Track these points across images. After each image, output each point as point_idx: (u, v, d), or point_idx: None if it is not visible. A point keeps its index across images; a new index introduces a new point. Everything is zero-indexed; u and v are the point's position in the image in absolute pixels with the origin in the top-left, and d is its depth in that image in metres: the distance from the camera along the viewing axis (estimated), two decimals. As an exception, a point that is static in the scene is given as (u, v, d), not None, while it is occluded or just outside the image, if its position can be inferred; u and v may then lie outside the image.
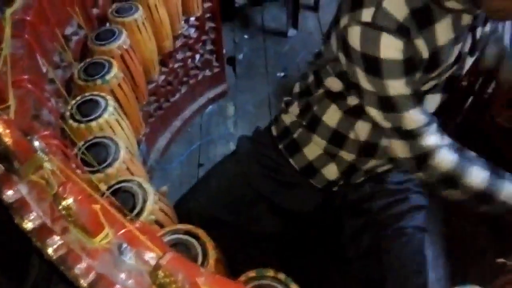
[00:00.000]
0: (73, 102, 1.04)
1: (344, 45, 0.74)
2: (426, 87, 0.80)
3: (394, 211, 0.89)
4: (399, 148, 0.77)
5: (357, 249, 0.90)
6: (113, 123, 1.03)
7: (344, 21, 0.73)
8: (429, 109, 0.83)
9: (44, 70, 0.98)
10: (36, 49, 0.94)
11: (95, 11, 1.37)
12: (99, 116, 1.01)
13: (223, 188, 1.01)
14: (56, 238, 0.52)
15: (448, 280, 0.91)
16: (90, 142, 0.95)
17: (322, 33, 2.58)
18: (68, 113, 1.02)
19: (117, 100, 1.15)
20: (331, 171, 0.95)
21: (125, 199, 0.85)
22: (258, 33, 2.63)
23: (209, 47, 2.03)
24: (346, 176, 0.96)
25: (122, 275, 0.49)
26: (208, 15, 1.90)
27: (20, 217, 0.54)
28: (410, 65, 0.71)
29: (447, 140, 0.78)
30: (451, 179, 0.76)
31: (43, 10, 1.03)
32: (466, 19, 0.74)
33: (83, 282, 0.48)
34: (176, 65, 1.84)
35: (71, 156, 0.82)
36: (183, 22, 1.75)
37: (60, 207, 0.48)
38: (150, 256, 0.50)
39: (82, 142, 0.94)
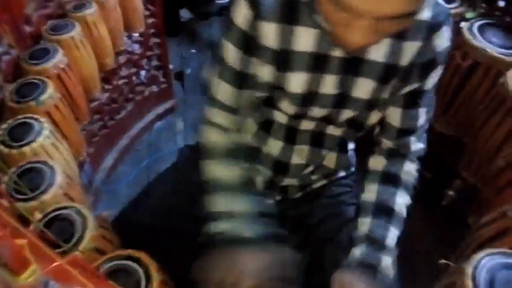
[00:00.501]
0: (4, 126, 0.98)
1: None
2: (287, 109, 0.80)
3: (330, 225, 0.89)
4: None
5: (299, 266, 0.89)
6: (49, 147, 0.98)
7: None
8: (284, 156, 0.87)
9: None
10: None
11: (27, 28, 1.30)
12: (33, 140, 0.96)
13: (161, 196, 0.98)
14: (-24, 279, 0.48)
15: (396, 283, 0.92)
16: (23, 168, 0.90)
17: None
18: (-2, 138, 0.96)
19: (53, 122, 1.10)
20: (259, 183, 0.95)
21: (62, 228, 0.81)
22: (206, 47, 2.62)
23: (154, 62, 1.99)
24: (281, 191, 0.96)
25: (51, 314, 0.46)
26: (152, 30, 1.87)
27: None
28: (246, 39, 0.72)
29: None
30: None
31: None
32: (337, 51, 0.71)
33: (6, 326, 0.44)
34: (120, 82, 1.79)
35: (-2, 186, 0.76)
36: (125, 38, 1.71)
37: (-23, 246, 0.44)
38: (81, 291, 0.47)
39: (13, 169, 0.88)
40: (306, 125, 0.84)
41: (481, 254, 0.76)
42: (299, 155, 0.88)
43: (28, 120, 1.01)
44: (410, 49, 0.71)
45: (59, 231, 0.79)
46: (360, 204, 0.83)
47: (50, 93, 1.09)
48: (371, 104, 0.78)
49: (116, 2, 1.54)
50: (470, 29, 1.34)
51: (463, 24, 1.37)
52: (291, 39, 0.71)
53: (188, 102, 2.27)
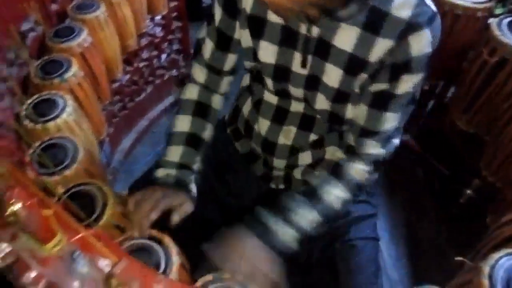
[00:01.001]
0: (29, 101, 1.00)
1: None
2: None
3: (339, 223, 0.88)
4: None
5: (309, 258, 0.89)
6: (72, 123, 0.99)
7: None
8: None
9: (-3, 67, 0.93)
10: (-12, 45, 0.90)
11: (54, 7, 1.31)
12: (57, 116, 0.97)
13: None
14: (4, 245, 0.49)
15: (410, 279, 0.92)
16: (47, 143, 0.91)
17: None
18: (23, 113, 0.97)
19: (76, 99, 1.11)
20: (258, 167, 0.98)
21: (83, 203, 0.82)
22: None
23: (176, 46, 1.99)
24: (285, 181, 0.96)
25: (75, 284, 0.47)
26: (174, 14, 1.87)
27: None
28: (229, 1, 0.78)
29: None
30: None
31: (-4, 4, 0.98)
32: (303, 27, 0.72)
33: (32, 292, 0.46)
34: (141, 64, 1.80)
35: (23, 159, 0.78)
36: (148, 20, 1.72)
37: (7, 213, 0.45)
38: (105, 264, 0.48)
39: (38, 143, 0.90)
40: (296, 106, 0.85)
41: (499, 253, 0.75)
42: (286, 136, 0.89)
43: (52, 97, 1.02)
44: (381, 46, 0.68)
45: (80, 206, 0.80)
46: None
47: (74, 71, 1.10)
48: (343, 95, 0.77)
49: (141, -16, 1.54)
50: (499, 25, 1.31)
51: (491, 20, 1.33)
52: (266, 8, 0.73)
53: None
